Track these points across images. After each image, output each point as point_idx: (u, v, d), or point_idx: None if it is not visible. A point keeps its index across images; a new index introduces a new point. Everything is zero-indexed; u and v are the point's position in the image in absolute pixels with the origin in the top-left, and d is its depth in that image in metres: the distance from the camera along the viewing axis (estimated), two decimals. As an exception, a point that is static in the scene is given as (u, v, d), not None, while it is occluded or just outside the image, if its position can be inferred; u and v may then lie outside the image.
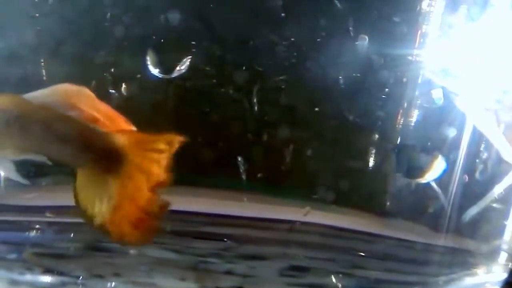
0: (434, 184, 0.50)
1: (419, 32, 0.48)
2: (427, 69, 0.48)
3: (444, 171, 0.50)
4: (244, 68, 0.48)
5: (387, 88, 0.48)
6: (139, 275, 0.47)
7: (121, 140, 0.40)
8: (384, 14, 0.47)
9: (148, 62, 0.47)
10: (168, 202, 0.39)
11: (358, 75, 0.48)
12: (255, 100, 0.48)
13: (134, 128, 0.42)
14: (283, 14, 0.47)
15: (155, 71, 0.47)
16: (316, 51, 0.47)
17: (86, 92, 0.42)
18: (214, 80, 0.48)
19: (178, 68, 0.47)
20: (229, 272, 0.48)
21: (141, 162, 0.40)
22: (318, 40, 0.47)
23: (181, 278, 0.47)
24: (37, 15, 0.47)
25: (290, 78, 0.48)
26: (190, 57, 0.47)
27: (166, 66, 0.47)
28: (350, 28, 0.47)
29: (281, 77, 0.48)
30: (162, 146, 0.40)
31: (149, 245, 0.48)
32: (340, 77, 0.48)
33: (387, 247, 0.51)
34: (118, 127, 0.41)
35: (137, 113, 0.47)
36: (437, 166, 0.49)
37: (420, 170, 0.49)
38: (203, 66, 0.47)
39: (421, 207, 0.51)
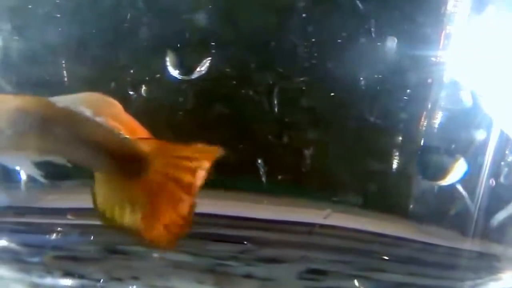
0: (459, 187, 0.49)
1: (444, 33, 0.46)
2: (452, 71, 0.47)
3: (466, 173, 0.48)
4: (264, 69, 0.47)
5: (410, 89, 0.47)
6: (157, 278, 0.47)
7: (145, 147, 0.40)
8: (408, 14, 0.46)
9: (168, 64, 0.47)
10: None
11: (381, 76, 0.47)
12: (275, 102, 0.47)
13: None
14: (304, 15, 0.46)
15: (175, 72, 0.47)
16: (338, 52, 0.47)
17: (114, 103, 0.42)
18: (234, 82, 0.47)
19: (198, 69, 0.47)
20: (248, 275, 0.48)
21: (173, 171, 0.40)
22: (340, 41, 0.46)
23: (199, 281, 0.47)
24: (58, 15, 0.47)
25: (311, 79, 0.47)
26: (210, 58, 0.46)
27: (186, 67, 0.47)
28: (373, 29, 0.46)
29: (302, 78, 0.47)
30: (197, 155, 0.40)
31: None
32: (362, 79, 0.47)
33: (410, 251, 0.51)
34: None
35: (156, 114, 0.47)
36: (458, 168, 0.48)
37: (441, 172, 0.48)
38: (223, 67, 0.47)
39: (446, 211, 0.51)
